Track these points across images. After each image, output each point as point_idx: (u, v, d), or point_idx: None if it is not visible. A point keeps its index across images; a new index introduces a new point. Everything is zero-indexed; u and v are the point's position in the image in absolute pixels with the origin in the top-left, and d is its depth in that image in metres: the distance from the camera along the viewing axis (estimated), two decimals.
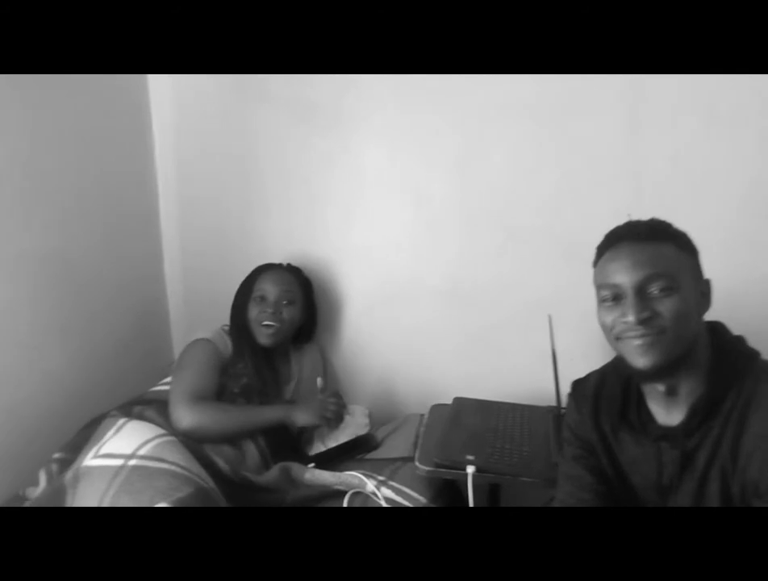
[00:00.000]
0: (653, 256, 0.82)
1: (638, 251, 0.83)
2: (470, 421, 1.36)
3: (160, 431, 1.21)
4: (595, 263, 0.90)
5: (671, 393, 0.85)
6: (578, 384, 1.00)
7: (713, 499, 0.82)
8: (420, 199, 1.58)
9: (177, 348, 1.80)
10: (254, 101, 1.63)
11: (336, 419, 1.41)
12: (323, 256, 1.68)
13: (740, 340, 0.87)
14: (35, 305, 1.38)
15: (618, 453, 0.92)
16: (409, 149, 1.56)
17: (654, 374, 0.82)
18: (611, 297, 0.85)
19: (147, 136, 1.72)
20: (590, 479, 0.91)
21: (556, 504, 0.96)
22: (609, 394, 0.93)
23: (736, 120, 1.32)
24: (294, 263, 1.63)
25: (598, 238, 1.40)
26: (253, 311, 1.47)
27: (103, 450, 1.16)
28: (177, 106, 1.70)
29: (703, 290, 0.86)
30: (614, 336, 0.85)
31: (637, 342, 0.81)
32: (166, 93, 1.69)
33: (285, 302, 1.49)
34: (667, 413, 0.87)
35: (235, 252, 1.71)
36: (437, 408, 1.48)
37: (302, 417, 1.36)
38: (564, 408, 1.11)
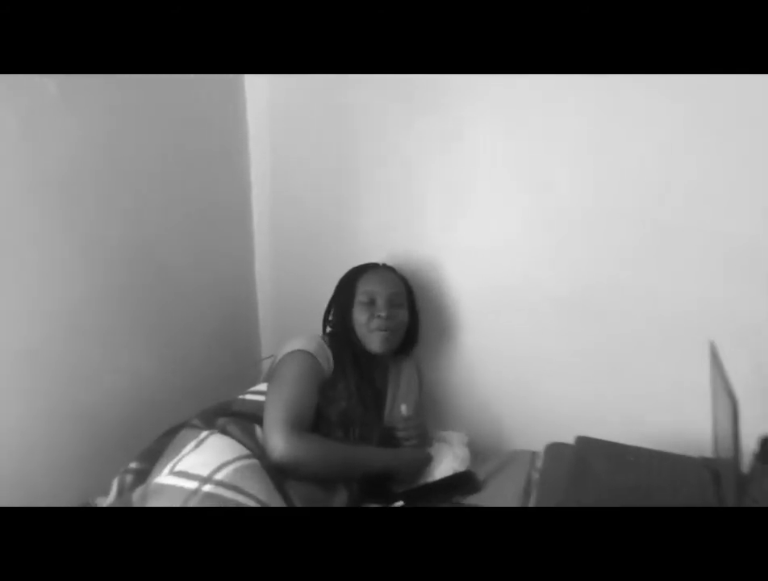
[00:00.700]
0: None
1: None
2: (601, 472, 1.08)
3: (242, 451, 1.06)
4: None
5: None
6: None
7: None
8: (541, 189, 1.32)
9: (266, 351, 1.69)
10: (350, 82, 1.45)
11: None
12: (423, 256, 1.47)
13: None
14: (117, 299, 1.29)
15: None
16: (529, 130, 1.30)
17: None
18: None
19: (241, 128, 1.61)
20: None
21: None
22: None
23: None
24: (390, 264, 1.43)
25: None
26: (361, 317, 1.30)
27: (179, 467, 1.03)
28: (272, 95, 1.56)
29: None
30: None
31: None
32: (261, 83, 1.56)
33: (395, 304, 1.33)
34: None
35: (329, 250, 1.55)
36: (555, 449, 1.21)
37: (408, 474, 1.23)
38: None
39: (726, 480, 0.96)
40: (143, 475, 1.11)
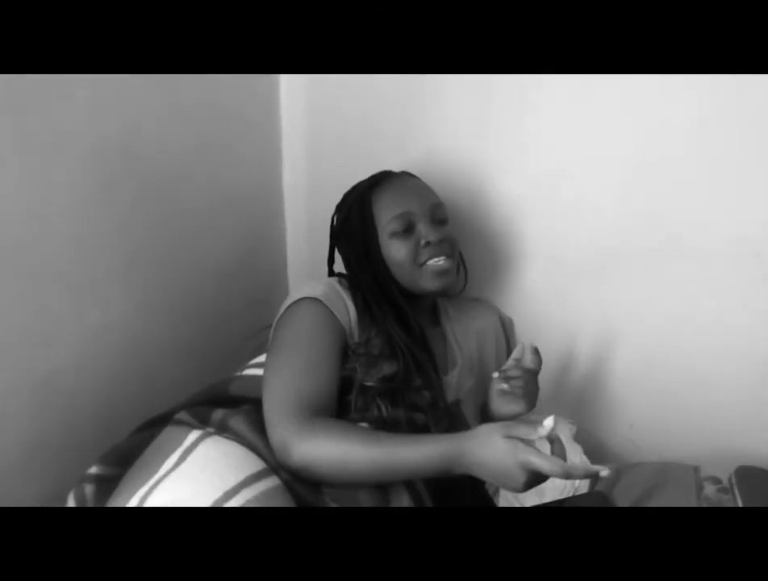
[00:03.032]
0: None
1: None
2: None
3: (252, 467, 0.67)
4: None
5: None
6: None
7: None
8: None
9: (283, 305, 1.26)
10: None
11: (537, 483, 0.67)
12: (501, 177, 1.00)
13: None
14: (83, 221, 0.84)
15: None
16: None
17: None
18: None
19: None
20: None
21: None
22: None
23: None
24: (452, 191, 0.99)
25: None
26: (400, 253, 0.87)
27: (155, 498, 0.64)
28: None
29: None
30: None
31: None
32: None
33: (440, 220, 0.90)
34: None
35: (385, 159, 1.05)
36: (752, 478, 0.80)
37: (489, 471, 0.66)
38: None
39: None
40: (106, 486, 0.72)
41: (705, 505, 0.80)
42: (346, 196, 0.95)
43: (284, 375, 0.75)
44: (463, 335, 0.97)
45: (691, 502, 0.80)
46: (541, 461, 0.60)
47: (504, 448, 0.62)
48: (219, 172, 1.06)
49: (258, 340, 0.89)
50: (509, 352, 1.00)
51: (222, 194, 1.07)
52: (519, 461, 0.61)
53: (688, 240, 0.91)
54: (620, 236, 0.95)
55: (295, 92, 1.14)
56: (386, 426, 0.75)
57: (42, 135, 0.76)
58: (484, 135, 1.01)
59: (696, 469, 0.87)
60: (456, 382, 0.90)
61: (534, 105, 0.96)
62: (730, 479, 0.80)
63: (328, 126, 1.13)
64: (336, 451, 0.68)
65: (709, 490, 0.82)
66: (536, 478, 0.62)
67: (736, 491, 0.78)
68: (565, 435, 0.96)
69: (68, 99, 0.79)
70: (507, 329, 1.07)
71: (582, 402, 1.04)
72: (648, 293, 0.95)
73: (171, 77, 0.92)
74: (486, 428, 0.66)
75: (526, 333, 1.06)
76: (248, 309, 1.16)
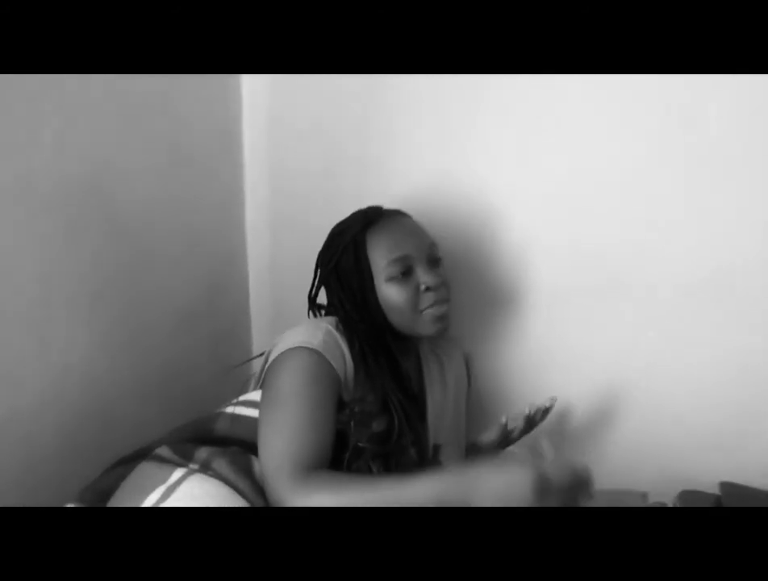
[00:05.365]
0: None
1: None
2: None
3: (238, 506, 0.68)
4: None
5: None
6: None
7: None
8: (673, 119, 0.92)
9: (259, 341, 1.27)
10: None
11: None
12: (481, 217, 1.06)
13: None
14: (47, 261, 0.84)
15: None
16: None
17: None
18: None
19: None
20: None
21: None
22: None
23: None
24: (437, 219, 1.03)
25: None
26: (400, 296, 0.86)
27: None
28: None
29: None
30: None
31: None
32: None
33: (436, 261, 0.90)
34: None
35: (345, 193, 1.08)
36: (692, 497, 0.84)
37: (495, 484, 0.66)
38: None
39: None
40: None
41: None
42: (336, 236, 0.91)
43: (281, 431, 0.74)
44: (440, 374, 0.98)
45: None
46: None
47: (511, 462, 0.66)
48: (183, 213, 1.08)
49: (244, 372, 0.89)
50: (469, 386, 1.05)
51: (185, 235, 1.09)
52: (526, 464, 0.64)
53: (636, 278, 0.98)
54: (571, 274, 1.02)
55: (257, 134, 1.18)
56: None
57: (6, 174, 0.77)
58: (446, 173, 1.06)
59: (644, 495, 0.92)
60: (433, 424, 0.92)
61: (486, 145, 1.03)
62: (674, 503, 0.85)
63: (291, 165, 1.17)
64: (333, 502, 0.67)
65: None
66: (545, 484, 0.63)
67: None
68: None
69: (35, 139, 0.80)
70: (469, 364, 1.10)
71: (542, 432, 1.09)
72: (599, 327, 1.02)
73: (138, 117, 0.95)
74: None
75: (488, 367, 1.10)
76: (211, 348, 1.17)
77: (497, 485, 0.64)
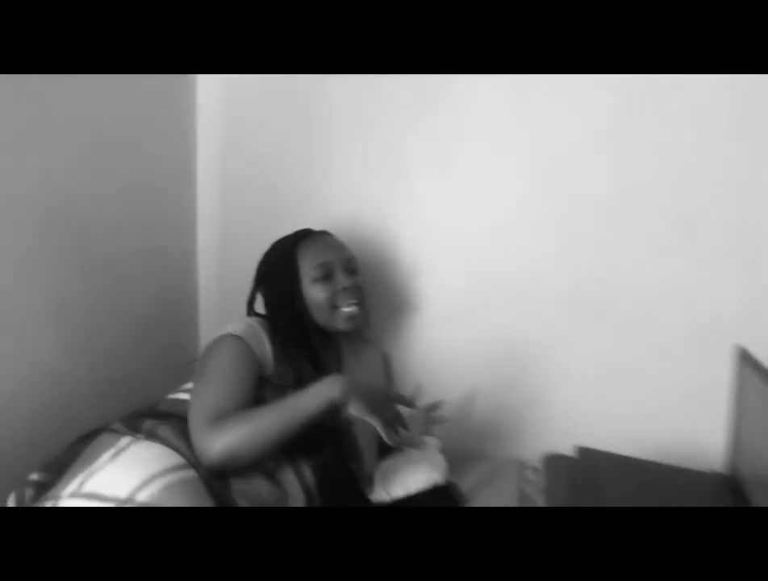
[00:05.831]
0: None
1: None
2: (609, 488, 0.94)
3: (175, 460, 0.85)
4: None
5: None
6: None
7: None
8: (549, 166, 1.16)
9: (206, 340, 1.42)
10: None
11: (393, 426, 0.95)
12: (403, 233, 1.28)
13: None
14: (24, 272, 1.01)
15: None
16: (538, 86, 1.14)
17: None
18: None
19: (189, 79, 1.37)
20: None
21: None
22: None
23: None
24: (363, 240, 1.24)
25: None
26: (319, 295, 1.07)
27: (90, 486, 0.80)
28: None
29: None
30: None
31: None
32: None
33: (353, 271, 1.13)
34: None
35: (288, 222, 1.28)
36: (556, 462, 1.06)
37: (356, 400, 0.91)
38: None
39: (756, 497, 0.84)
40: (45, 489, 0.86)
41: (526, 486, 1.05)
42: (273, 248, 1.13)
43: (205, 395, 0.93)
44: (358, 370, 1.18)
45: (513, 486, 1.06)
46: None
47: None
48: (142, 234, 1.26)
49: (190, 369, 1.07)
50: (390, 380, 1.25)
51: (142, 254, 1.26)
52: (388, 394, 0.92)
53: (512, 295, 1.21)
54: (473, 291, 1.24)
55: (210, 162, 1.38)
56: None
57: None
58: (386, 202, 1.27)
59: (522, 462, 1.13)
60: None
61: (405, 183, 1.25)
62: (541, 464, 1.06)
63: (240, 193, 1.37)
64: (244, 428, 0.87)
65: (528, 474, 1.08)
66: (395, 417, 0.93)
67: (544, 472, 1.04)
68: (433, 446, 1.19)
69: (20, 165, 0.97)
70: (386, 365, 1.31)
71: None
72: (480, 332, 1.24)
73: (103, 152, 1.13)
74: None
75: (410, 365, 1.30)
76: (163, 353, 1.33)
77: (367, 394, 0.91)
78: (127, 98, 1.18)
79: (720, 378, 1.00)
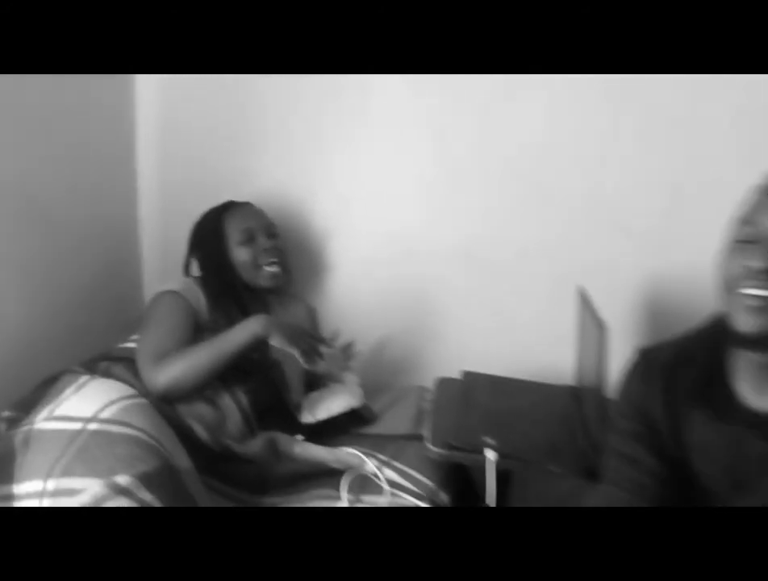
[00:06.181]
0: None
1: None
2: (484, 400, 1.21)
3: (129, 391, 1.03)
4: (750, 199, 0.74)
5: None
6: (647, 353, 0.84)
7: None
8: (442, 142, 1.39)
9: (149, 297, 1.60)
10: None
11: (310, 354, 1.19)
12: (322, 205, 1.49)
13: None
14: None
15: (686, 433, 0.77)
16: (431, 83, 1.36)
17: (759, 340, 0.68)
18: (749, 237, 0.70)
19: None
20: (650, 461, 0.78)
21: (606, 487, 0.81)
22: (688, 365, 0.78)
23: None
24: (289, 213, 1.44)
25: (643, 208, 1.28)
26: (244, 256, 1.28)
27: (59, 411, 0.98)
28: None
29: None
30: (731, 284, 0.70)
31: (752, 303, 0.67)
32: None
33: (274, 234, 1.33)
34: (758, 395, 0.73)
35: (222, 192, 1.44)
36: (445, 383, 1.32)
37: (276, 333, 1.14)
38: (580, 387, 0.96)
39: (588, 402, 1.13)
40: (16, 424, 1.02)
41: (423, 404, 1.31)
42: (203, 217, 1.31)
43: (149, 338, 1.14)
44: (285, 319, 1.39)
45: (414, 405, 1.32)
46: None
47: None
48: (89, 205, 1.41)
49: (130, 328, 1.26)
50: (315, 329, 1.47)
51: (90, 222, 1.41)
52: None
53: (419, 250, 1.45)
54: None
55: (149, 142, 1.53)
56: None
57: None
58: (305, 176, 1.46)
59: (422, 387, 1.39)
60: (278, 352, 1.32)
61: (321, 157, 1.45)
62: (434, 386, 1.33)
63: (180, 171, 1.53)
64: (183, 362, 1.09)
65: (426, 395, 1.34)
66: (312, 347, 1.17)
67: (435, 391, 1.30)
68: (352, 381, 1.43)
69: None
70: (312, 316, 1.53)
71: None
72: (392, 284, 1.48)
73: (51, 132, 1.27)
74: None
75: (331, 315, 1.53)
76: (113, 309, 1.50)
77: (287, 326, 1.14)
78: (70, 86, 1.31)
79: (571, 315, 1.28)
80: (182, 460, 0.96)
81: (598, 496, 0.82)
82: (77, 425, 0.93)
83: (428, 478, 1.07)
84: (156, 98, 1.51)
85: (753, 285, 0.67)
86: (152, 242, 1.60)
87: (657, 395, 0.79)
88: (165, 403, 1.08)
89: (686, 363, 0.78)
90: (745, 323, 0.68)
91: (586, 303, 1.14)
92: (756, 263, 0.66)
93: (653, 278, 1.32)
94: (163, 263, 1.59)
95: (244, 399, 1.16)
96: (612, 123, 1.29)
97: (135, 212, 1.58)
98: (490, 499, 1.00)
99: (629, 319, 1.32)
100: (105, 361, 1.14)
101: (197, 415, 1.11)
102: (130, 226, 1.58)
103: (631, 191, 1.30)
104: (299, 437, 1.17)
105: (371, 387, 1.40)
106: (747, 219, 0.71)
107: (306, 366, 1.18)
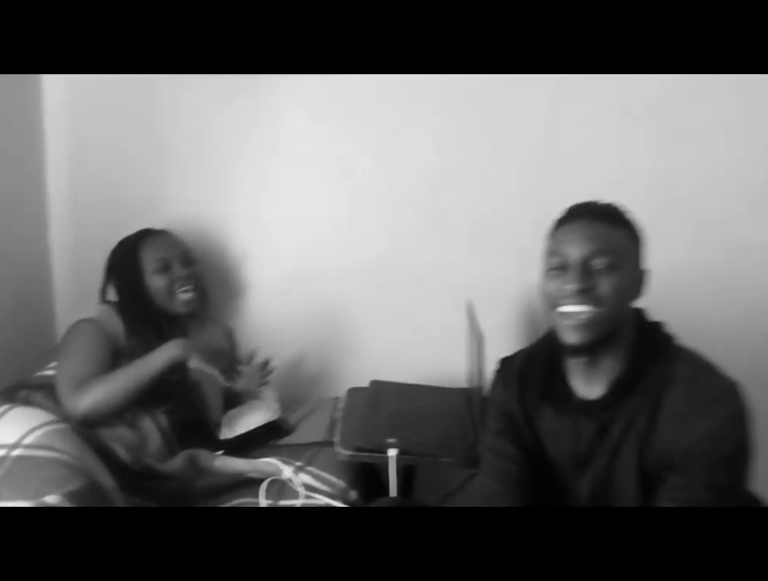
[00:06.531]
0: (604, 234, 0.85)
1: (591, 227, 0.86)
2: (389, 405, 1.35)
3: (51, 417, 1.08)
4: (551, 233, 0.92)
5: (593, 367, 0.88)
6: (505, 361, 1.01)
7: (626, 471, 0.87)
8: (346, 171, 1.54)
9: (62, 332, 1.59)
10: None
11: (229, 373, 1.28)
12: (237, 229, 1.58)
13: (659, 325, 0.93)
14: None
15: (539, 425, 0.95)
16: (331, 117, 1.51)
17: (582, 349, 0.85)
18: (558, 265, 0.87)
19: (35, 84, 1.52)
20: (512, 451, 0.94)
21: (480, 478, 0.98)
22: (535, 369, 0.96)
23: (646, 119, 1.42)
24: (204, 238, 1.52)
25: (516, 226, 1.48)
26: (159, 283, 1.34)
27: None
28: (70, 78, 1.52)
29: (640, 278, 0.90)
30: (552, 304, 0.87)
31: (570, 321, 0.84)
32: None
33: (189, 261, 1.40)
34: (587, 387, 0.91)
35: (135, 222, 1.48)
36: (354, 392, 1.45)
37: (195, 355, 1.22)
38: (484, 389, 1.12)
39: (475, 402, 1.29)
40: None
41: (335, 414, 1.43)
42: (119, 245, 1.35)
43: (67, 367, 1.19)
44: (203, 342, 1.45)
45: (328, 415, 1.43)
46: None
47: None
48: None
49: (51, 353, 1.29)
50: (233, 350, 1.55)
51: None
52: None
53: (327, 268, 1.57)
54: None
55: (59, 170, 1.56)
56: None
57: None
58: (224, 200, 1.55)
59: (336, 398, 1.51)
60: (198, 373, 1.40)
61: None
62: (345, 396, 1.45)
63: (92, 198, 1.56)
64: (103, 387, 1.15)
65: (338, 405, 1.46)
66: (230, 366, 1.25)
67: (346, 401, 1.42)
68: (270, 397, 1.52)
69: None
70: (230, 337, 1.61)
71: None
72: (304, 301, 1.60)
73: None
74: None
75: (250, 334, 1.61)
76: (25, 340, 1.51)
77: (207, 349, 1.24)
78: None
79: (463, 323, 1.45)
80: (106, 479, 1.02)
81: (475, 487, 0.98)
82: (1, 452, 0.96)
83: (340, 478, 1.19)
84: (66, 127, 1.55)
85: (569, 303, 0.84)
86: (63, 269, 1.62)
87: (513, 396, 0.96)
88: (86, 428, 1.13)
89: (533, 368, 0.96)
90: (568, 336, 0.85)
91: (471, 315, 1.31)
92: (568, 286, 0.84)
93: (530, 291, 1.52)
94: (75, 290, 1.61)
95: (163, 419, 1.23)
96: (491, 153, 1.49)
97: (47, 239, 1.60)
98: (393, 492, 1.14)
99: (509, 328, 1.51)
100: (23, 389, 1.18)
101: (117, 437, 1.17)
102: (41, 253, 1.59)
103: (508, 214, 1.50)
104: (219, 453, 1.25)
105: (288, 400, 1.51)
106: (552, 251, 0.89)
107: (225, 385, 1.27)
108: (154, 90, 1.51)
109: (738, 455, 0.81)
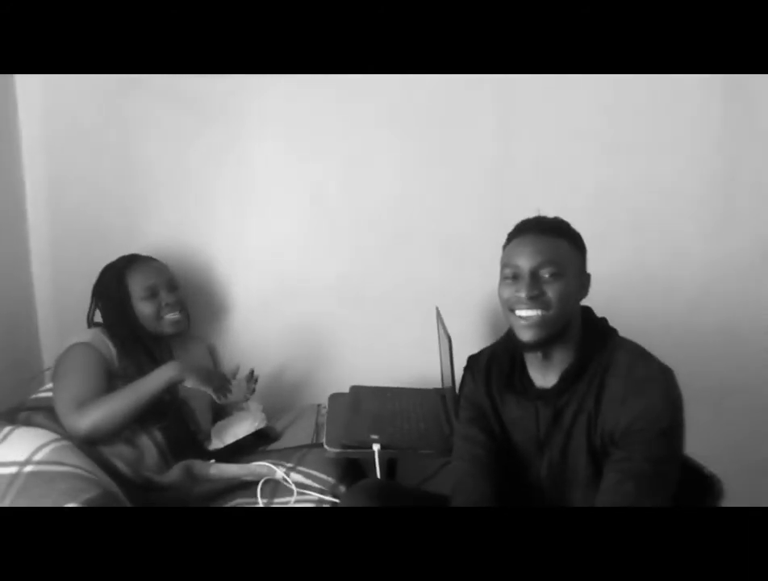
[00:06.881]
0: (550, 247, 0.99)
1: (539, 241, 0.99)
2: (369, 406, 1.46)
3: (55, 435, 1.14)
4: (505, 246, 1.06)
5: (547, 360, 1.02)
6: (473, 358, 1.14)
7: (579, 449, 1.00)
8: (315, 196, 1.65)
9: (47, 357, 1.66)
10: (132, 90, 1.58)
11: (221, 390, 1.36)
12: (214, 253, 1.68)
13: (603, 321, 1.07)
14: None
15: (504, 413, 1.08)
16: (302, 145, 1.62)
17: (535, 345, 0.99)
18: (511, 275, 1.00)
19: (11, 117, 1.58)
20: (482, 437, 1.07)
21: (453, 461, 1.10)
22: (498, 364, 1.09)
23: (590, 134, 1.59)
24: (182, 263, 1.60)
25: (477, 241, 1.61)
26: (147, 308, 1.41)
27: None
28: (46, 97, 1.59)
29: (583, 282, 1.03)
30: (508, 308, 1.01)
31: (524, 322, 0.98)
32: (34, 85, 1.58)
33: (175, 287, 1.48)
34: (543, 378, 1.04)
35: (115, 251, 1.54)
36: (336, 397, 1.56)
37: (190, 376, 1.29)
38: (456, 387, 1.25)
39: (448, 399, 1.42)
40: None
41: (320, 419, 1.53)
42: (106, 270, 1.41)
43: (67, 387, 1.25)
44: (188, 360, 1.53)
45: (313, 421, 1.53)
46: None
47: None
48: None
49: (44, 377, 1.35)
50: (215, 365, 1.64)
51: None
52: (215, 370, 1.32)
53: (300, 287, 1.68)
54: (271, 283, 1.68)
55: (39, 199, 1.62)
56: None
57: None
58: (198, 225, 1.64)
59: (319, 405, 1.62)
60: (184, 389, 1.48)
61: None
62: (328, 401, 1.56)
63: (71, 229, 1.63)
64: (103, 409, 1.22)
65: (322, 411, 1.57)
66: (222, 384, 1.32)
67: (329, 406, 1.53)
68: (256, 408, 1.61)
69: None
70: (212, 353, 1.69)
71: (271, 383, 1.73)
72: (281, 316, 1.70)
73: None
74: None
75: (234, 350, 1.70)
76: (9, 366, 1.55)
77: (197, 368, 1.30)
78: None
79: (433, 330, 1.58)
80: (115, 489, 1.10)
81: (448, 470, 1.10)
82: (12, 469, 1.03)
83: (328, 475, 1.29)
84: (43, 161, 1.62)
85: (521, 307, 0.98)
86: (45, 299, 1.68)
87: (481, 388, 1.09)
88: (88, 446, 1.20)
89: (497, 363, 1.10)
90: (522, 335, 0.99)
91: (440, 321, 1.44)
92: (520, 293, 0.98)
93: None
94: (59, 319, 1.67)
95: (159, 436, 1.31)
96: (449, 176, 1.63)
97: (29, 270, 1.65)
98: None
99: (475, 331, 1.65)
100: (23, 411, 1.24)
101: (117, 453, 1.24)
102: (23, 286, 1.64)
103: (468, 231, 1.64)
104: (211, 462, 1.33)
105: (273, 409, 1.61)
106: (506, 263, 1.03)
107: (219, 401, 1.36)
108: (128, 122, 1.60)
109: (672, 430, 0.93)
